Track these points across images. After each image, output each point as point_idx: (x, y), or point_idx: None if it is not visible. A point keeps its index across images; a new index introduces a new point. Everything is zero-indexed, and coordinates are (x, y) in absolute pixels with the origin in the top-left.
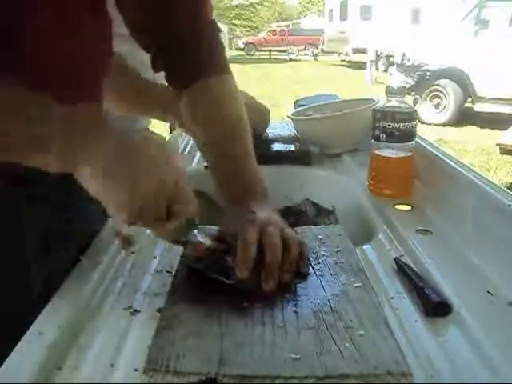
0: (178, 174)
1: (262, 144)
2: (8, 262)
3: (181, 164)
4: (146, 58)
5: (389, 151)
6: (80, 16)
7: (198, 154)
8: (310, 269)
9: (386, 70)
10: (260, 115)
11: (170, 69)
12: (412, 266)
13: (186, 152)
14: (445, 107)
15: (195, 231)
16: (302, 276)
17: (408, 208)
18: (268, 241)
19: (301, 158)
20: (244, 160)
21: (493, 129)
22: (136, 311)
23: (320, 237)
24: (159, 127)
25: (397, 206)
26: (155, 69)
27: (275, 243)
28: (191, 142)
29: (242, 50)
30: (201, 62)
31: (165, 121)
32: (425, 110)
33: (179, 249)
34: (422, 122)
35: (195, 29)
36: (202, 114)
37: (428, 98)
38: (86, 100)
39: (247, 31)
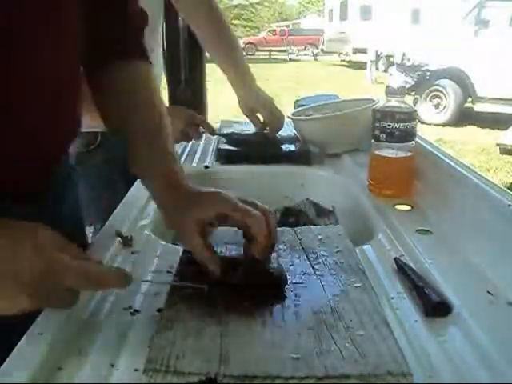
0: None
1: (262, 144)
2: None
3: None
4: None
5: (389, 151)
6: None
7: (198, 154)
8: (310, 269)
9: (385, 70)
10: (275, 118)
11: (87, 52)
12: (412, 266)
13: (186, 152)
14: (445, 107)
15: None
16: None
17: (408, 208)
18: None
19: (301, 158)
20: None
21: (493, 129)
22: (136, 311)
23: (320, 237)
24: None
25: (397, 206)
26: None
27: (266, 209)
28: (191, 141)
29: (242, 49)
30: (116, 45)
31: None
32: (425, 110)
33: (180, 249)
34: (422, 122)
35: (117, 11)
36: (117, 101)
37: (428, 98)
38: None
39: (247, 31)
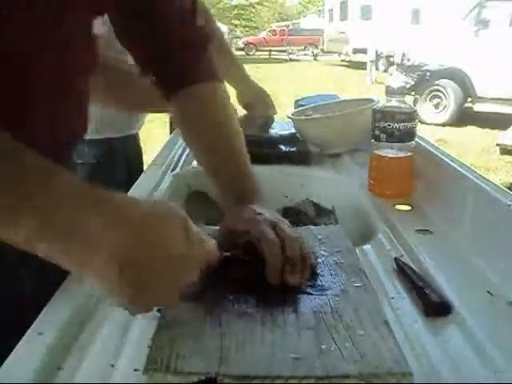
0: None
1: (263, 144)
2: (9, 260)
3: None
4: None
5: (389, 151)
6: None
7: None
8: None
9: (385, 70)
10: (270, 111)
11: (159, 75)
12: (412, 266)
13: (187, 152)
14: (445, 107)
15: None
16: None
17: (408, 208)
18: (285, 236)
19: (301, 157)
20: (241, 163)
21: (493, 129)
22: None
23: (320, 237)
24: (160, 127)
25: (397, 206)
26: (143, 74)
27: (293, 238)
28: None
29: (242, 50)
30: (187, 70)
31: (167, 112)
32: (425, 110)
33: None
34: (422, 122)
35: (185, 36)
36: (194, 119)
37: (428, 98)
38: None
39: (247, 31)
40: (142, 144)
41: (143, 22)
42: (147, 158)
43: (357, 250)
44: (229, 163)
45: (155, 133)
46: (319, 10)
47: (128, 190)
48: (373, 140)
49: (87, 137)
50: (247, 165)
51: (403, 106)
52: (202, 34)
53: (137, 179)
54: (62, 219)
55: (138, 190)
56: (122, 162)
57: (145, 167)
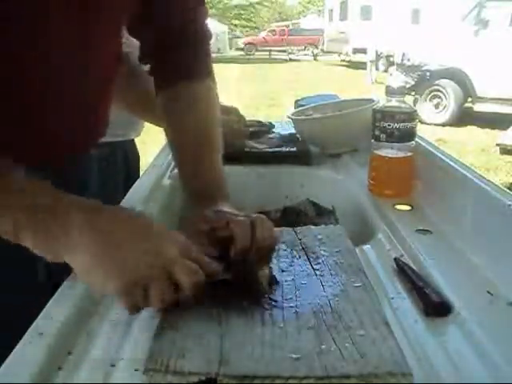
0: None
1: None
2: (13, 260)
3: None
4: None
5: (389, 151)
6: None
7: None
8: (310, 269)
9: (386, 70)
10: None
11: (155, 67)
12: (412, 266)
13: None
14: (445, 107)
15: None
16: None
17: (408, 208)
18: (255, 219)
19: (301, 157)
20: (213, 166)
21: (493, 129)
22: None
23: (320, 237)
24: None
25: (397, 206)
26: (142, 62)
27: (263, 220)
28: None
29: (242, 49)
30: (184, 65)
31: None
32: (425, 110)
33: None
34: (422, 122)
35: (186, 31)
36: (175, 117)
37: (428, 98)
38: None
39: (247, 31)
40: (142, 144)
41: (146, 9)
42: (147, 159)
43: (357, 250)
44: (199, 165)
45: (155, 133)
46: (319, 10)
47: (126, 191)
48: (373, 140)
49: None
50: (219, 169)
51: (403, 105)
52: (202, 30)
53: (136, 179)
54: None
55: (139, 190)
56: (121, 165)
57: (141, 172)
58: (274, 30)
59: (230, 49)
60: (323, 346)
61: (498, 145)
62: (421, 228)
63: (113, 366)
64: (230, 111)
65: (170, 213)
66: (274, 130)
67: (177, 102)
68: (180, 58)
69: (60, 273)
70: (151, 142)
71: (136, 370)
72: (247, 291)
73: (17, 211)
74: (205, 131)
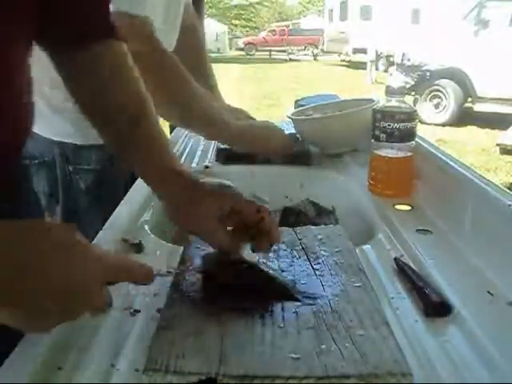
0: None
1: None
2: None
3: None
4: None
5: (389, 151)
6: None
7: (198, 153)
8: (310, 269)
9: (386, 70)
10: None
11: (48, 30)
12: (412, 266)
13: (186, 152)
14: (445, 107)
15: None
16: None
17: (408, 208)
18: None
19: (301, 157)
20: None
21: (493, 129)
22: (136, 311)
23: (320, 237)
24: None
25: (397, 206)
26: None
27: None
28: (191, 142)
29: (242, 50)
30: (86, 23)
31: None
32: (425, 110)
33: (180, 249)
34: (422, 122)
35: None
36: (94, 96)
37: (428, 98)
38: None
39: (247, 31)
40: None
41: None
42: None
43: (357, 250)
44: (145, 143)
45: None
46: (319, 10)
47: (126, 191)
48: (373, 140)
49: (89, 142)
50: (163, 141)
51: (403, 105)
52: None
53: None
54: None
55: (139, 190)
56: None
57: None
58: (274, 30)
59: (230, 49)
60: (323, 346)
61: (498, 145)
62: (421, 228)
63: (113, 366)
64: (238, 112)
65: None
66: None
67: (88, 77)
68: (79, 19)
69: None
70: None
71: (136, 370)
72: (278, 291)
73: None
74: (135, 107)
